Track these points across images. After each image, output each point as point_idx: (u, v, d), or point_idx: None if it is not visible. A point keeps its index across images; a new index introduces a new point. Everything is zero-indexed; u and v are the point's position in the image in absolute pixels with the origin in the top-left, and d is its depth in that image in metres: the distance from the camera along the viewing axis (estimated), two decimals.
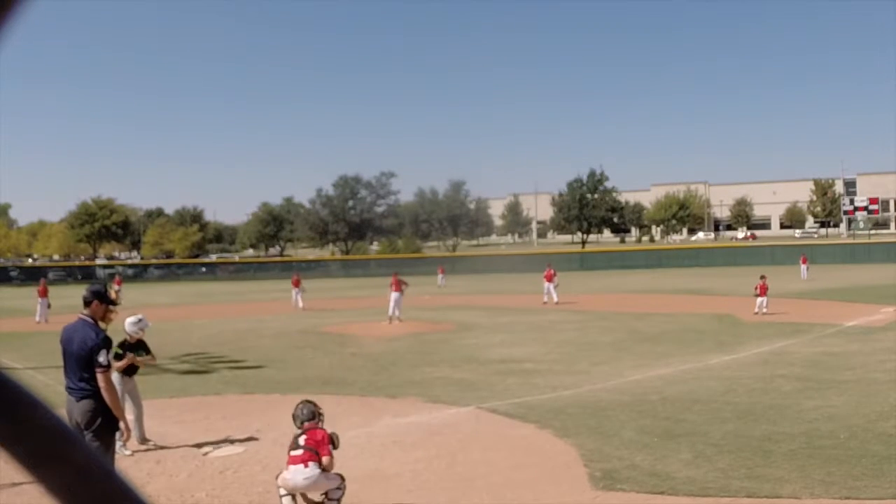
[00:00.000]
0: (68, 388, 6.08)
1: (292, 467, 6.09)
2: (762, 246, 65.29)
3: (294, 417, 6.43)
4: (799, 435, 8.38)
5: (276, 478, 6.36)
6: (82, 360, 5.93)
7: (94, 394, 5.96)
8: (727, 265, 56.49)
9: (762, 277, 22.67)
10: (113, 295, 6.68)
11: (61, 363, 6.27)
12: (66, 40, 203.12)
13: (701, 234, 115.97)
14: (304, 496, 6.42)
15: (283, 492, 6.24)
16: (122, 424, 6.26)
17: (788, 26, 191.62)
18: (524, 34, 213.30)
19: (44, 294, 26.77)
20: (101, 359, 5.89)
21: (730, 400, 10.43)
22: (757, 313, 21.85)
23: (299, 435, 6.24)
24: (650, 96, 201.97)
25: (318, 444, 6.14)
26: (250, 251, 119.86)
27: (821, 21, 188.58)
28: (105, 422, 6.02)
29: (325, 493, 6.23)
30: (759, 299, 22.24)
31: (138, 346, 9.13)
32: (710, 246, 74.26)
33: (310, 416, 6.37)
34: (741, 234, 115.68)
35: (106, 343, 5.99)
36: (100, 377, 5.89)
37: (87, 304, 6.13)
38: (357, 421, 9.79)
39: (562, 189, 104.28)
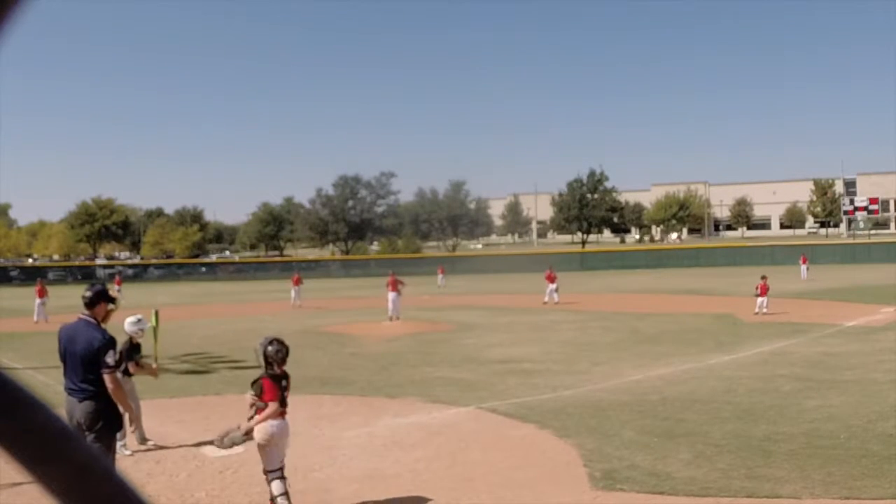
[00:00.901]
0: (69, 389, 6.01)
1: (282, 421, 6.41)
2: (762, 246, 65.26)
3: (268, 358, 6.58)
4: (799, 435, 8.38)
5: (264, 461, 6.38)
6: (87, 361, 5.86)
7: (97, 395, 5.92)
8: (727, 265, 56.51)
9: (763, 278, 22.69)
10: (113, 294, 6.68)
11: (61, 363, 6.22)
12: (65, 40, 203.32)
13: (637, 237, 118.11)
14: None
15: (275, 475, 6.30)
16: (127, 420, 6.27)
17: (788, 26, 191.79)
18: (524, 33, 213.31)
19: (41, 294, 26.78)
20: (109, 359, 5.86)
21: (730, 400, 10.43)
22: (757, 313, 21.86)
23: (285, 387, 6.55)
24: (650, 96, 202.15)
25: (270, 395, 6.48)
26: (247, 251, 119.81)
27: (821, 20, 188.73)
28: (106, 423, 5.99)
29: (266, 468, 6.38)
30: (760, 299, 22.25)
31: (135, 349, 9.07)
32: (710, 246, 74.26)
33: (284, 358, 6.61)
34: (674, 235, 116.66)
35: (112, 343, 5.97)
36: (107, 377, 5.85)
37: (91, 304, 6.07)
38: (357, 421, 9.79)
39: (562, 189, 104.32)
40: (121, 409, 6.16)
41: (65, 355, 6.02)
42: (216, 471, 7.69)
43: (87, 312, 6.07)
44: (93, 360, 5.85)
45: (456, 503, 6.65)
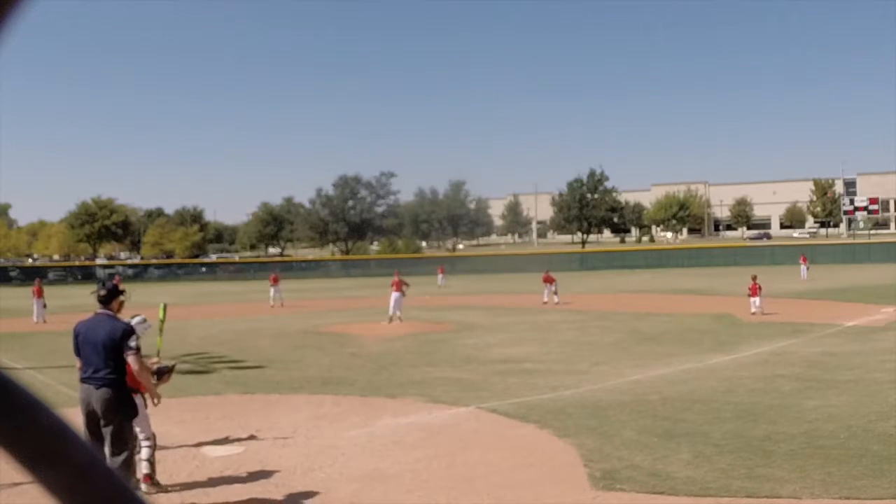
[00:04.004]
0: (87, 378, 6.39)
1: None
2: (762, 246, 65.29)
3: None
4: (799, 435, 8.37)
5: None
6: (110, 348, 6.30)
7: (114, 382, 6.35)
8: (727, 265, 56.50)
9: (753, 278, 22.66)
10: (121, 287, 7.06)
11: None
12: (66, 40, 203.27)
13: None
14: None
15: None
16: (151, 398, 6.82)
17: (788, 26, 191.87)
18: (524, 34, 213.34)
19: (39, 294, 26.75)
20: (133, 343, 6.38)
21: (730, 400, 10.43)
22: (754, 313, 21.81)
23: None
24: (650, 96, 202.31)
25: (133, 379, 6.84)
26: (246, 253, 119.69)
27: (821, 21, 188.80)
28: (123, 410, 6.39)
29: (139, 445, 7.04)
30: (752, 299, 22.21)
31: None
32: (710, 246, 74.27)
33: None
34: (669, 235, 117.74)
35: (133, 330, 6.52)
36: (132, 359, 6.37)
37: (107, 301, 6.58)
38: (357, 421, 9.79)
39: (562, 189, 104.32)
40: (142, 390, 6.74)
41: (83, 346, 6.44)
42: (216, 471, 7.69)
43: (103, 308, 6.55)
44: (115, 346, 6.31)
45: (456, 503, 6.64)
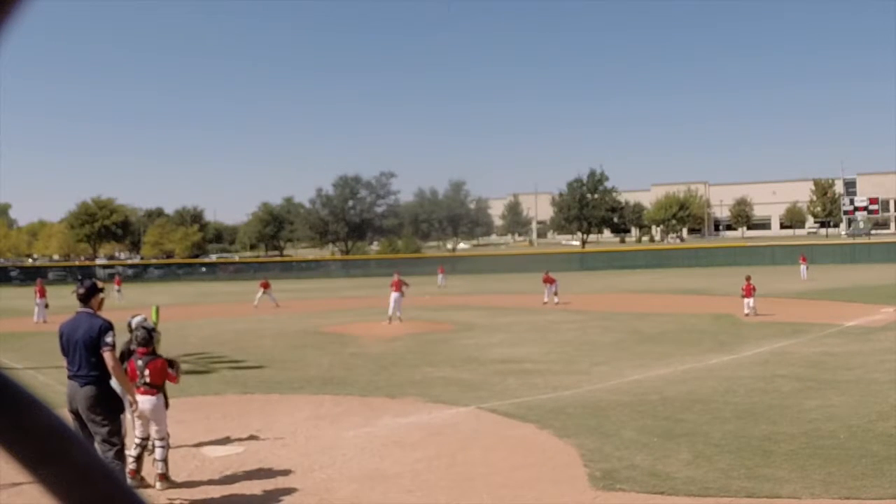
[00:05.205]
0: (72, 376, 6.42)
1: (140, 396, 7.03)
2: (762, 246, 65.26)
3: (132, 337, 7.47)
4: (799, 435, 8.37)
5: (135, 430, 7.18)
6: (90, 346, 6.33)
7: (98, 379, 6.37)
8: (727, 265, 56.47)
9: (747, 278, 22.63)
10: (101, 285, 7.06)
11: (61, 363, 6.49)
12: (66, 39, 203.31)
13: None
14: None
15: (133, 452, 7.08)
16: (129, 398, 6.77)
17: (788, 26, 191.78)
18: (524, 33, 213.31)
19: (42, 294, 26.76)
20: (108, 339, 6.37)
21: (730, 400, 10.43)
22: (748, 314, 21.73)
23: (144, 365, 7.17)
24: (650, 96, 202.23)
25: (161, 376, 7.23)
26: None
27: (821, 21, 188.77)
28: (108, 407, 6.41)
29: (154, 444, 7.17)
30: (746, 300, 22.18)
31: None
32: (710, 246, 74.27)
33: (145, 340, 7.29)
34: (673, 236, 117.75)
35: (110, 326, 6.47)
36: (107, 355, 6.35)
37: (87, 298, 6.60)
38: (357, 421, 9.79)
39: (562, 189, 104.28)
40: (120, 389, 6.66)
41: (67, 345, 6.47)
42: (216, 471, 7.69)
43: (84, 306, 6.59)
44: (94, 344, 6.34)
45: (456, 503, 6.64)
